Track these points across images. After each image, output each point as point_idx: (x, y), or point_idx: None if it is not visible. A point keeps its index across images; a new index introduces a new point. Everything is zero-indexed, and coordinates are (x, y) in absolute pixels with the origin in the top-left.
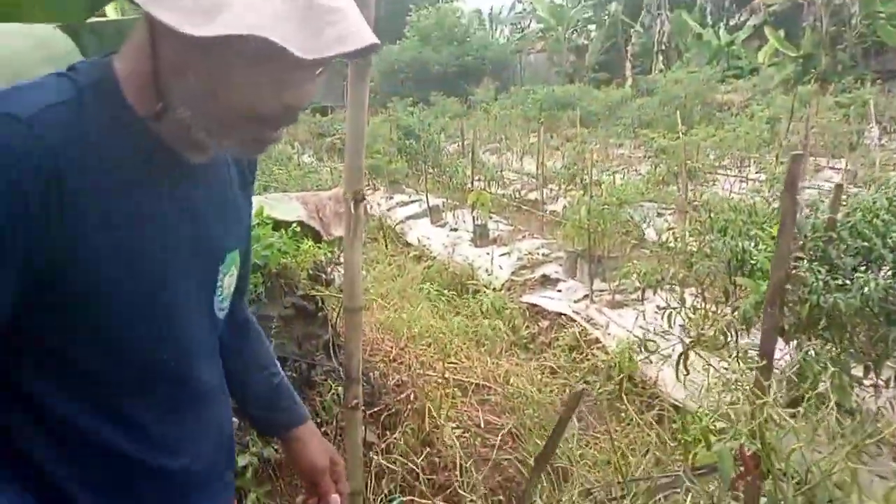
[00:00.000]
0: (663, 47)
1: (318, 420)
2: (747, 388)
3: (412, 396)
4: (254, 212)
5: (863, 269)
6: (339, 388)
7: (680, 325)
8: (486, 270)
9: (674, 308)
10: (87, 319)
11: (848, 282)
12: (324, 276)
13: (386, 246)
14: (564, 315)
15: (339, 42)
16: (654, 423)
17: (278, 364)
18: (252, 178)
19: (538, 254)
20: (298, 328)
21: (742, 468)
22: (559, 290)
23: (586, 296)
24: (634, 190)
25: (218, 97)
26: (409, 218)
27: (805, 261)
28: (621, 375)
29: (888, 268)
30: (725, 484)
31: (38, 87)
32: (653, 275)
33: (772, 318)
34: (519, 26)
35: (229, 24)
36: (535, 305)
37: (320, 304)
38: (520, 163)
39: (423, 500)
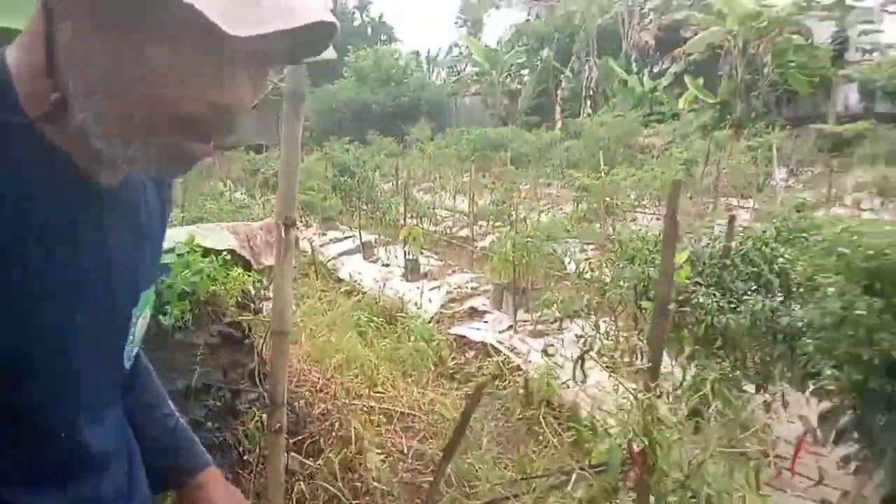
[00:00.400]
0: (591, 92)
1: (241, 448)
2: (640, 394)
3: (337, 424)
4: (184, 240)
5: (752, 292)
6: (264, 416)
7: (596, 351)
8: (416, 304)
9: (589, 335)
10: None
11: (739, 304)
12: (252, 304)
13: (317, 281)
14: (490, 345)
15: (278, 15)
16: (570, 444)
17: (171, 404)
18: (169, 209)
19: (467, 287)
20: (224, 356)
21: (632, 462)
22: (486, 322)
23: (511, 326)
24: (559, 226)
25: (125, 92)
26: (341, 254)
27: (702, 286)
28: (540, 400)
29: (775, 291)
30: (613, 474)
31: None
32: (570, 304)
33: (658, 327)
34: (455, 69)
35: None
36: (462, 336)
37: (247, 331)
38: (453, 201)
39: None
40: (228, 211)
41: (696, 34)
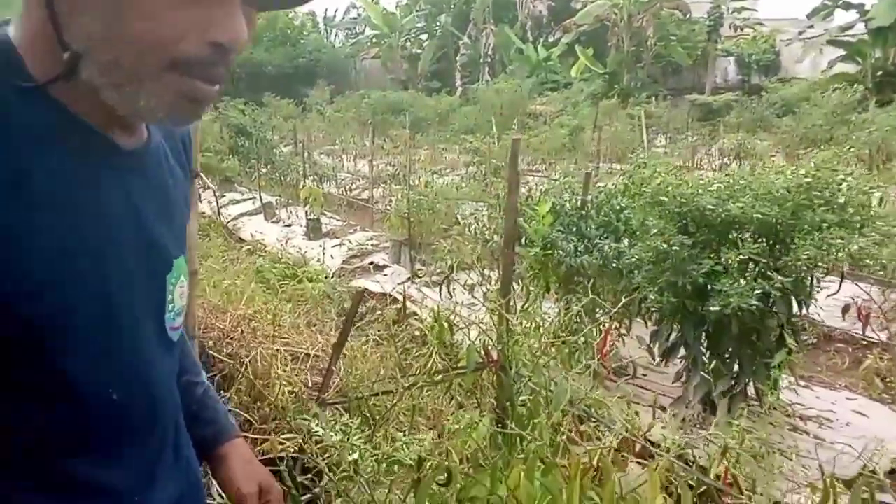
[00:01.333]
0: (489, 59)
1: None
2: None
3: (246, 362)
4: None
5: (604, 237)
6: None
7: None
8: (318, 260)
9: (477, 283)
10: (18, 361)
11: (593, 248)
12: None
13: (219, 240)
14: (389, 295)
15: None
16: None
17: (201, 370)
18: (189, 168)
19: (368, 244)
20: None
21: (491, 363)
22: (385, 275)
23: (409, 278)
24: (455, 188)
25: (126, 38)
26: (242, 215)
27: (563, 233)
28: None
29: (621, 236)
30: (471, 372)
31: None
32: (459, 256)
33: (507, 256)
34: (353, 31)
35: None
36: (364, 288)
37: None
38: (354, 164)
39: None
40: None
41: (585, 6)
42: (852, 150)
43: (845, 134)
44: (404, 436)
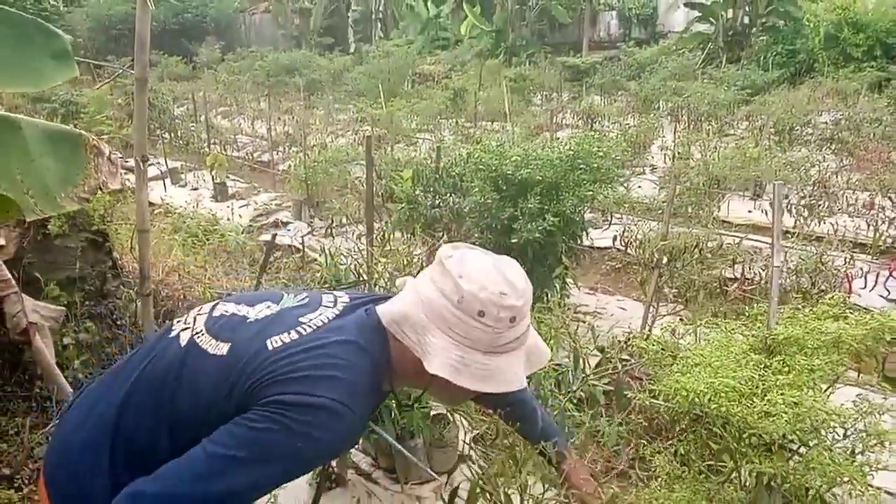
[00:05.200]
0: (381, 15)
1: (114, 316)
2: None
3: (182, 297)
4: None
5: (451, 194)
6: (131, 292)
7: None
8: (228, 219)
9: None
10: None
11: (443, 203)
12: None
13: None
14: (292, 246)
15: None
16: None
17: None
18: None
19: (272, 204)
20: (91, 255)
21: (361, 280)
22: (289, 230)
23: (310, 232)
24: (346, 152)
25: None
26: (150, 180)
27: (423, 192)
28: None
29: (464, 193)
30: (349, 283)
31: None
32: (346, 212)
33: (369, 212)
34: None
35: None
36: (274, 235)
37: (106, 237)
38: (251, 127)
39: None
40: None
41: None
42: (665, 112)
43: (670, 97)
44: None
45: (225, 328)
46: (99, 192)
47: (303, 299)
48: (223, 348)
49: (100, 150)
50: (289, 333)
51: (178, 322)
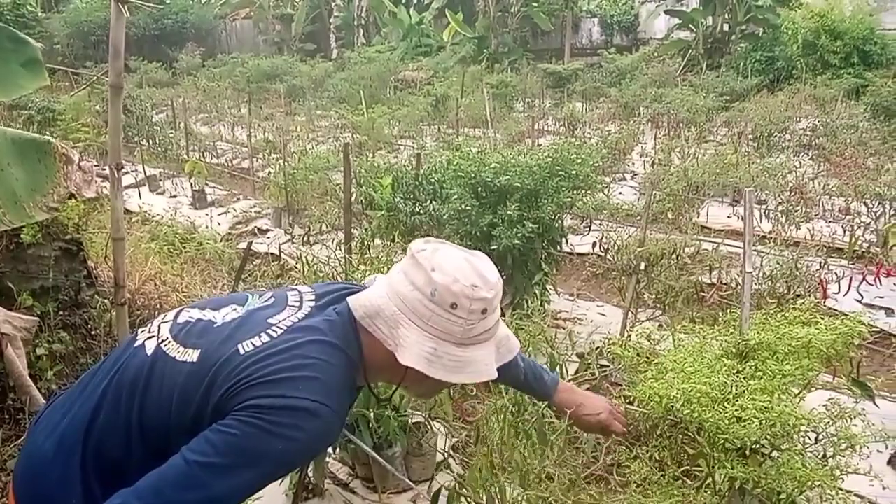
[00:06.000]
0: (363, 21)
1: (89, 326)
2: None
3: (159, 305)
4: None
5: (431, 201)
6: (106, 301)
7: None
8: (206, 227)
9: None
10: None
11: (423, 209)
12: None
13: (105, 213)
14: (272, 254)
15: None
16: None
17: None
18: None
19: (251, 211)
20: (65, 264)
21: None
22: (268, 237)
23: (289, 239)
24: (327, 159)
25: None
26: (127, 187)
27: (403, 199)
28: None
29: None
30: None
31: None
32: (328, 218)
33: (347, 219)
34: None
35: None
36: (250, 242)
37: (80, 246)
38: (231, 133)
39: None
40: None
41: None
42: (646, 119)
43: (649, 104)
44: None
45: (192, 334)
46: (72, 200)
47: (268, 299)
48: (193, 355)
49: (69, 157)
50: (259, 336)
51: (142, 331)
